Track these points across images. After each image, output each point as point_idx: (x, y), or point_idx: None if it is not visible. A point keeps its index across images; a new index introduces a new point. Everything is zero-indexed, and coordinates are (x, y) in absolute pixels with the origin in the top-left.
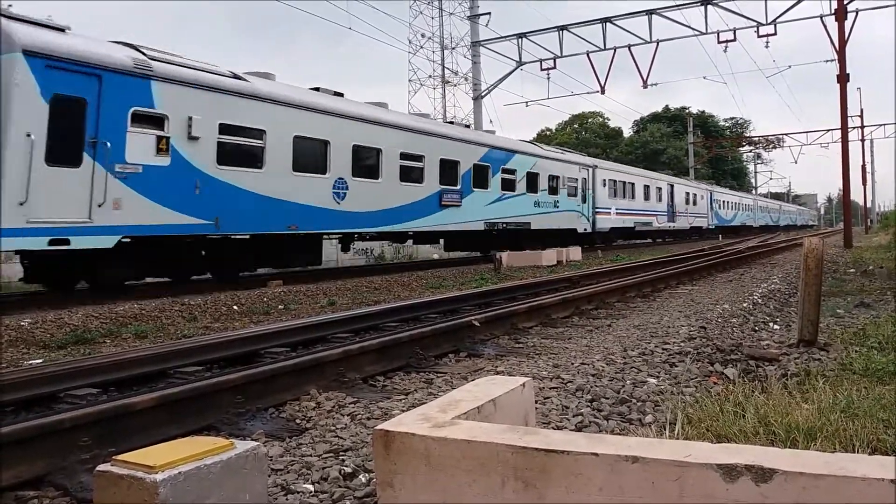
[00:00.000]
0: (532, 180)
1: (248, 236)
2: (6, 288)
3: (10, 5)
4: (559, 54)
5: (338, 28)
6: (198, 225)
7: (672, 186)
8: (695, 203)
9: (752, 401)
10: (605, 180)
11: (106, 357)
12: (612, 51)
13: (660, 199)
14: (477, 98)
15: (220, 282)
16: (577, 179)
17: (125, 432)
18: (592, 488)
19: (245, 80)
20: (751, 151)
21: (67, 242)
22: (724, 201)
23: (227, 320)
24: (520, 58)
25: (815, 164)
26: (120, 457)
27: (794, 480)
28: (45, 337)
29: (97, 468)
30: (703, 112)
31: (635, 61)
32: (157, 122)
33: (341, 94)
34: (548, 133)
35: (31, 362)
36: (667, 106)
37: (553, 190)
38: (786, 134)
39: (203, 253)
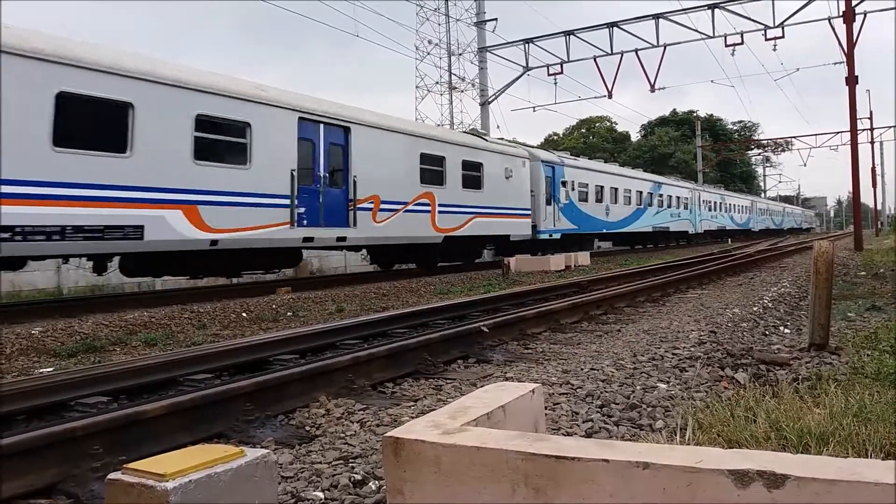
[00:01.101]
0: None
1: None
2: (16, 296)
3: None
4: (566, 59)
5: (345, 35)
6: None
7: (345, 128)
8: (478, 185)
9: (764, 405)
10: None
11: (116, 365)
12: (620, 55)
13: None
14: (484, 104)
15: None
16: None
17: (136, 440)
18: (603, 495)
19: None
20: (760, 155)
21: None
22: (601, 188)
23: (237, 327)
24: (527, 63)
25: (824, 166)
26: (130, 465)
27: (807, 486)
28: (55, 345)
29: (108, 476)
30: (711, 115)
31: (642, 65)
32: None
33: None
34: (555, 138)
35: (41, 371)
36: (674, 110)
37: None
38: (795, 137)
39: None
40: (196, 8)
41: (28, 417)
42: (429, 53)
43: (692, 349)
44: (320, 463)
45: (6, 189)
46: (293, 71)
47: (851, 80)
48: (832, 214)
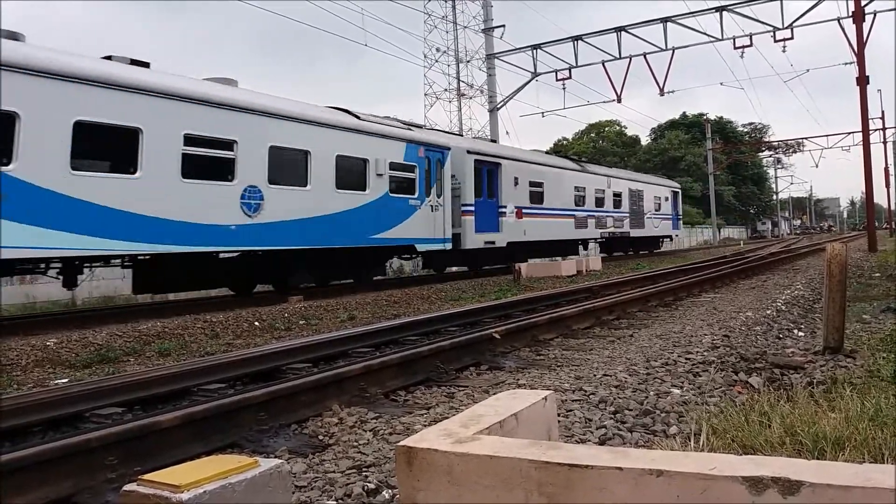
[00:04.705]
0: None
1: None
2: (31, 308)
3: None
4: (574, 64)
5: (354, 46)
6: None
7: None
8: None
9: (778, 410)
10: None
11: (130, 376)
12: (628, 59)
13: None
14: (493, 110)
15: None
16: None
17: (150, 451)
18: (617, 502)
19: None
20: (770, 156)
21: None
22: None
23: (249, 336)
24: (535, 69)
25: (836, 167)
26: (145, 476)
27: (822, 492)
28: (70, 356)
29: (123, 488)
30: (721, 118)
31: (651, 69)
32: None
33: None
34: (564, 143)
35: (56, 382)
36: (684, 113)
37: None
38: (806, 138)
39: None
40: (210, 23)
41: (44, 429)
42: (437, 61)
43: (706, 354)
44: (333, 472)
45: None
46: (308, 86)
47: (862, 80)
48: (845, 215)
